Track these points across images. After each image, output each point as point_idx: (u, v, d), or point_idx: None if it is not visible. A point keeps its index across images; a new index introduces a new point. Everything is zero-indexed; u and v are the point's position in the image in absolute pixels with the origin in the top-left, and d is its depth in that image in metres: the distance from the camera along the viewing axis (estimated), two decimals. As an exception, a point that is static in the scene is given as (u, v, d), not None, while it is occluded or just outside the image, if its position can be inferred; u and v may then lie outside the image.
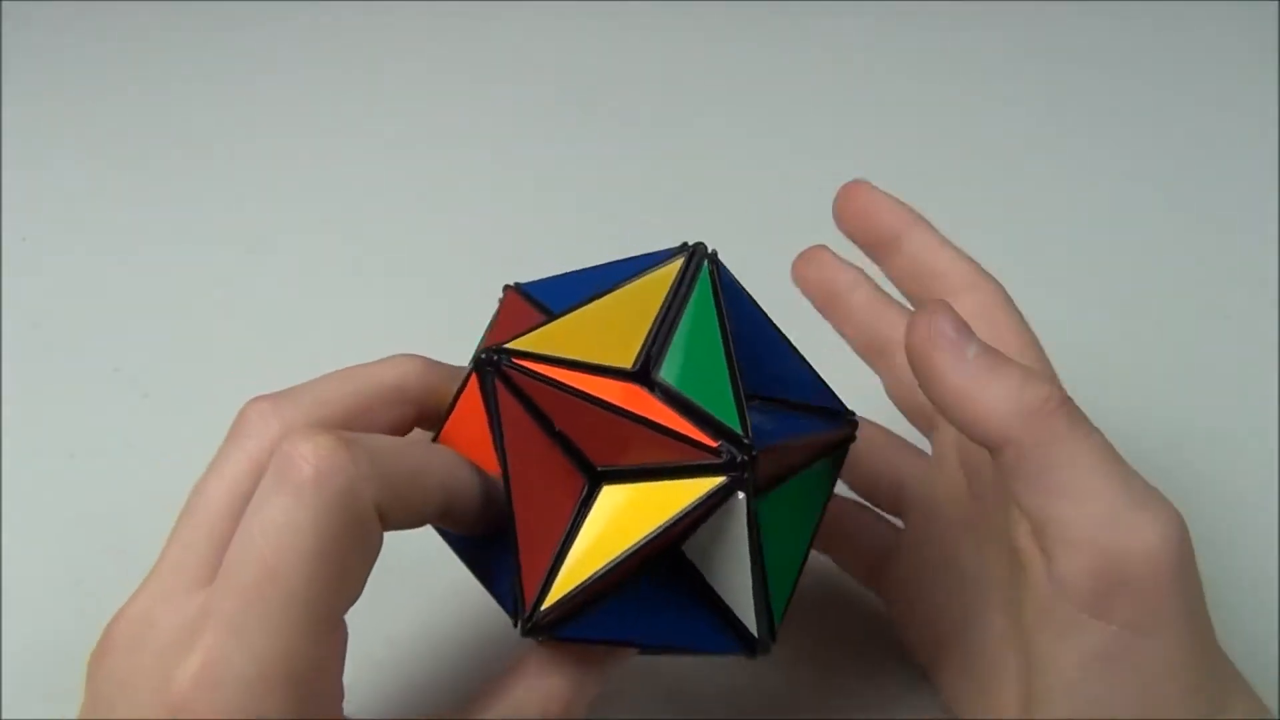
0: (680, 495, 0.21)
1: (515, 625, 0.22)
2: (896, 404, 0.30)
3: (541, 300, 0.25)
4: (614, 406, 0.21)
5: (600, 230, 0.47)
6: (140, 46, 0.63)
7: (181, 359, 0.42)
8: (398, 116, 0.57)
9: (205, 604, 0.19)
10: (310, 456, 0.19)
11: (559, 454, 0.22)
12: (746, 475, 0.21)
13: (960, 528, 0.27)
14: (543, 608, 0.21)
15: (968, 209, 0.50)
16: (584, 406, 0.21)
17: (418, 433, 0.25)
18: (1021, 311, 0.27)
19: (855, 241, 0.30)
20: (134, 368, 0.41)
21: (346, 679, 0.21)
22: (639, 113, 0.57)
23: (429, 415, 0.25)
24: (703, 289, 0.23)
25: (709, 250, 0.24)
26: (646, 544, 0.21)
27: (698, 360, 0.22)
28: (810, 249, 0.31)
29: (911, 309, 0.29)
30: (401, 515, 0.21)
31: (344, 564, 0.19)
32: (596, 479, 0.22)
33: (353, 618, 0.21)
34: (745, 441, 0.21)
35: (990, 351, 0.23)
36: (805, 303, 0.31)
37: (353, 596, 0.20)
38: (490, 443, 0.22)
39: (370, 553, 0.20)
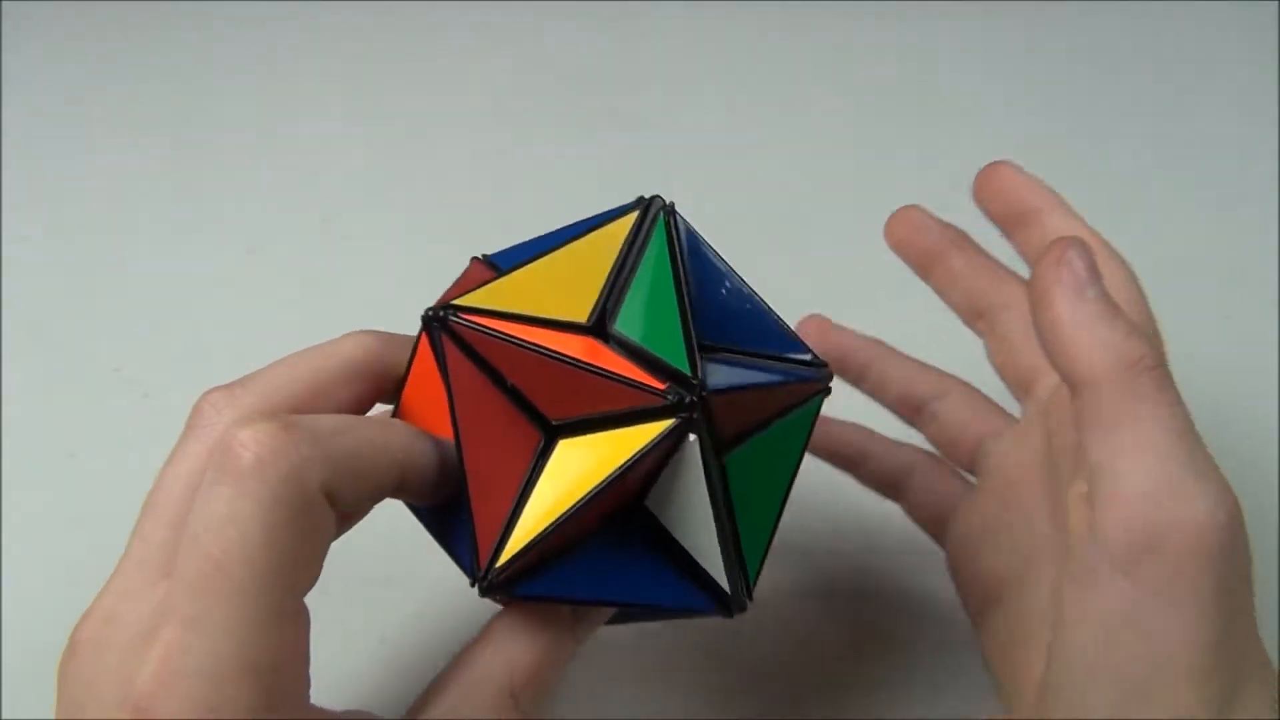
0: (633, 442, 0.21)
1: (473, 585, 0.21)
2: (997, 369, 0.30)
3: (499, 264, 0.25)
4: (564, 356, 0.21)
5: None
6: (140, 47, 0.63)
7: (181, 359, 0.42)
8: (398, 117, 0.57)
9: (163, 600, 0.19)
10: (250, 443, 0.19)
11: (512, 409, 0.21)
12: (695, 415, 0.20)
13: (1030, 494, 0.27)
14: (498, 564, 0.21)
15: (967, 208, 0.50)
16: (536, 359, 0.21)
17: (379, 408, 0.25)
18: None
19: (990, 216, 0.30)
20: (134, 368, 0.41)
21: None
22: (638, 113, 0.57)
23: (389, 389, 0.24)
24: (659, 241, 0.23)
25: (666, 203, 0.24)
26: (600, 493, 0.20)
27: (655, 312, 0.22)
28: (902, 209, 0.31)
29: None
30: (352, 495, 0.20)
31: (294, 550, 0.19)
32: (552, 433, 0.21)
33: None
34: (694, 382, 0.21)
35: (1107, 298, 0.23)
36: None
37: (308, 581, 0.20)
38: (446, 404, 0.22)
39: (322, 535, 0.20)
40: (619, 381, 0.21)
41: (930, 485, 0.31)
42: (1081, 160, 0.53)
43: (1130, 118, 0.56)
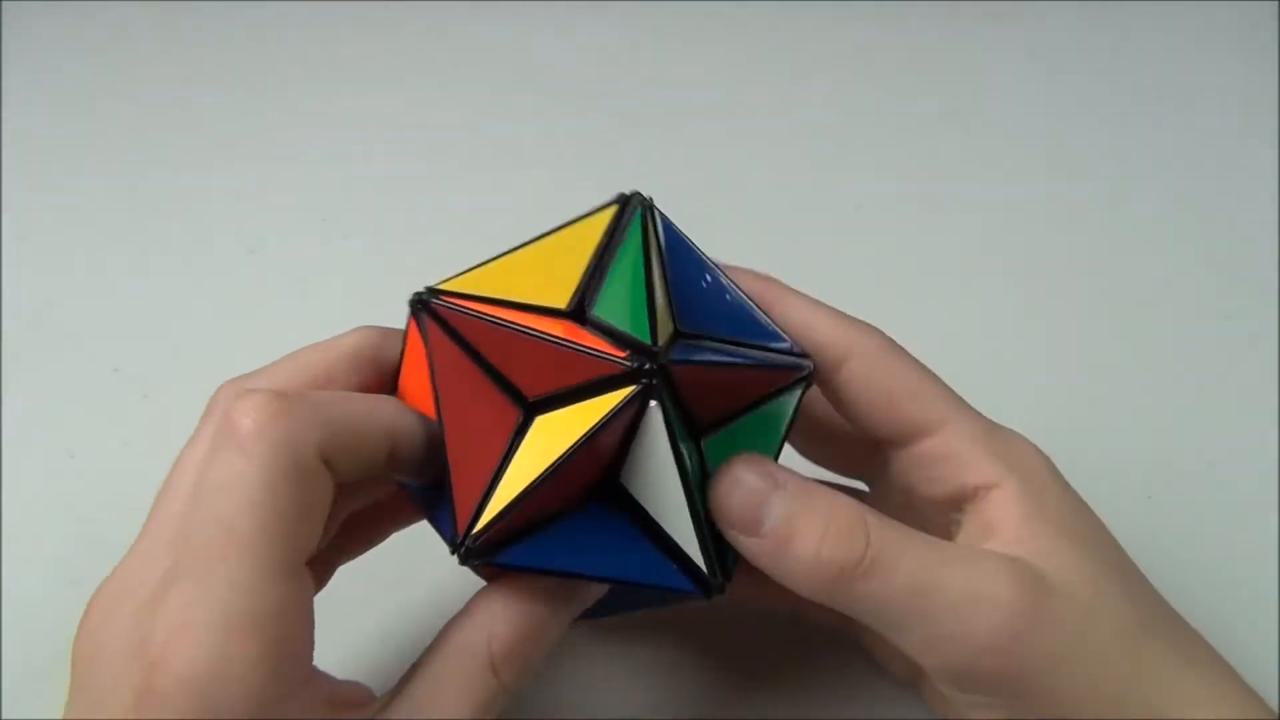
0: (600, 410, 0.21)
1: (453, 554, 0.22)
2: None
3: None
4: (536, 332, 0.22)
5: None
6: (140, 47, 0.63)
7: (181, 359, 0.42)
8: (399, 117, 0.57)
9: (173, 564, 0.20)
10: (249, 411, 0.20)
11: (492, 387, 0.22)
12: (654, 381, 0.21)
13: None
14: (474, 530, 0.21)
15: (967, 210, 0.50)
16: (513, 338, 0.22)
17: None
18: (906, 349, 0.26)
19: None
20: (134, 368, 0.41)
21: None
22: (639, 112, 0.57)
23: (390, 380, 0.25)
24: (635, 233, 0.24)
25: (646, 198, 0.25)
26: (567, 460, 0.21)
27: (630, 298, 0.23)
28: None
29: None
30: (349, 462, 0.21)
31: (295, 509, 0.20)
32: (530, 410, 0.22)
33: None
34: (654, 350, 0.21)
35: (787, 520, 0.22)
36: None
37: (309, 543, 0.21)
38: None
39: (321, 498, 0.21)
40: (585, 352, 0.21)
41: None
42: (1081, 160, 0.53)
43: (1130, 118, 0.56)
